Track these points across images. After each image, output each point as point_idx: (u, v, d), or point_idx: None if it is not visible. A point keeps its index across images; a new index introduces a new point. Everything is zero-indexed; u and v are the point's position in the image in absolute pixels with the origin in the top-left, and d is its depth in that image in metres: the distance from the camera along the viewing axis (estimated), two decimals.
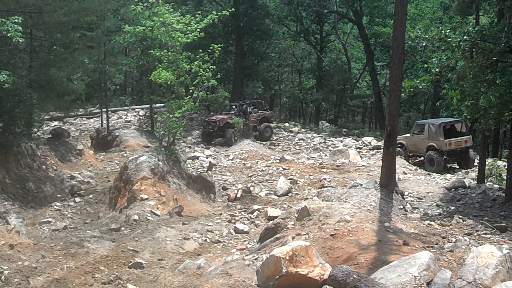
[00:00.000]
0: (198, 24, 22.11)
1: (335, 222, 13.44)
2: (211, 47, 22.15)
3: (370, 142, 33.24)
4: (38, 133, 25.96)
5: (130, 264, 12.93)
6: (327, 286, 10.18)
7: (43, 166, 23.03)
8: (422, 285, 9.45)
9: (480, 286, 8.94)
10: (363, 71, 51.76)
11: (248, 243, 15.67)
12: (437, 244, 13.03)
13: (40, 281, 11.69)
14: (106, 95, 36.84)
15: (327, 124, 44.31)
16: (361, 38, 46.21)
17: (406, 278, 9.60)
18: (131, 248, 14.27)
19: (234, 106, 37.20)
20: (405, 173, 25.08)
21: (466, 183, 22.14)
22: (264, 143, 35.18)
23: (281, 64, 55.08)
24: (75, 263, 12.91)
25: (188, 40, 21.86)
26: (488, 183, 22.50)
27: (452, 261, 11.33)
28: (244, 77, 47.46)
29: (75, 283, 11.59)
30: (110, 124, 37.35)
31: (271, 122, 37.70)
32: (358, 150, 31.70)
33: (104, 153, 31.99)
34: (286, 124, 42.12)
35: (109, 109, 38.72)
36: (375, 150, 30.74)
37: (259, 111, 37.13)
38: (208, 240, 15.61)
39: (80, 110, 38.99)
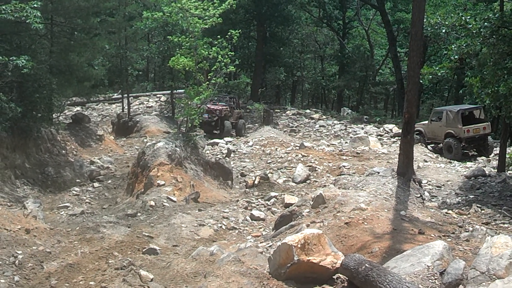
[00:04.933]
0: (216, 10, 22.04)
1: (350, 210, 13.35)
2: (229, 33, 22.05)
3: (391, 130, 33.06)
4: (60, 118, 26.17)
5: (144, 250, 12.92)
6: (339, 274, 10.14)
7: (63, 151, 23.20)
8: (435, 274, 9.35)
9: (494, 276, 8.82)
10: (386, 58, 51.41)
11: (264, 230, 15.62)
12: (453, 233, 12.87)
13: (53, 266, 11.73)
14: (127, 80, 36.93)
15: (349, 110, 44.09)
16: (384, 24, 45.78)
17: (419, 268, 9.51)
18: (146, 234, 14.28)
19: (216, 98, 33.09)
20: (426, 161, 24.91)
21: (486, 172, 21.88)
22: (285, 129, 35.12)
23: (304, 50, 54.87)
24: (89, 248, 12.94)
25: (206, 26, 21.82)
26: (508, 171, 22.22)
27: (468, 251, 11.18)
28: (266, 63, 47.33)
29: (88, 268, 11.61)
30: (131, 110, 37.56)
31: (243, 118, 36.42)
32: (379, 137, 31.53)
33: (124, 139, 32.19)
34: (307, 111, 42.00)
35: (131, 94, 38.89)
36: (396, 138, 30.46)
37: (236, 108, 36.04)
38: (223, 227, 15.57)
39: (101, 95, 39.13)
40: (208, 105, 32.34)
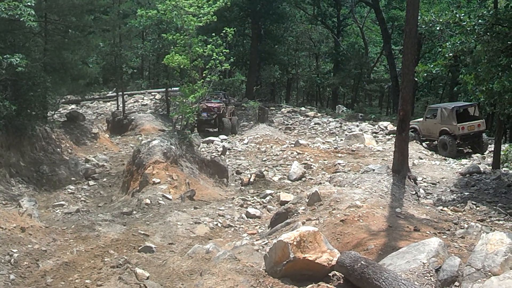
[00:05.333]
0: (211, 8, 22.01)
1: (345, 208, 13.35)
2: (224, 31, 22.03)
3: (386, 127, 33.08)
4: (55, 116, 26.14)
5: (139, 248, 12.89)
6: (335, 272, 10.15)
7: (58, 149, 23.19)
8: (431, 271, 9.35)
9: (489, 273, 8.83)
10: (380, 55, 51.44)
11: (260, 227, 15.61)
12: (448, 230, 12.89)
13: (49, 264, 11.70)
14: (122, 78, 36.90)
15: (344, 108, 44.09)
16: (378, 21, 45.82)
17: (414, 265, 9.51)
18: (142, 232, 14.26)
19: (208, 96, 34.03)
20: (421, 158, 24.93)
21: (481, 169, 21.92)
22: (280, 127, 35.11)
23: (298, 48, 54.86)
24: (85, 246, 12.91)
25: (201, 24, 21.81)
26: (503, 168, 22.27)
27: (463, 248, 11.20)
28: (260, 61, 47.30)
29: (84, 266, 11.57)
30: (126, 108, 37.52)
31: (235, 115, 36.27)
32: (374, 134, 31.56)
33: (119, 137, 32.21)
34: (302, 109, 42.05)
35: (126, 92, 38.87)
36: (391, 135, 30.49)
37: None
38: (219, 225, 15.55)
39: (96, 93, 39.10)
40: (206, 103, 32.20)
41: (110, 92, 43.78)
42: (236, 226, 15.67)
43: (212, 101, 33.39)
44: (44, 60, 22.84)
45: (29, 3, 17.56)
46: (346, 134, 31.44)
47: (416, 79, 19.12)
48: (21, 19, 17.61)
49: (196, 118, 31.22)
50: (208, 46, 21.46)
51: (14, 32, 20.96)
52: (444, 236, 11.98)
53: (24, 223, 13.73)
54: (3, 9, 17.18)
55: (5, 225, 13.20)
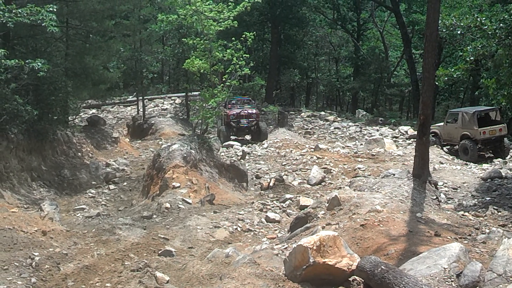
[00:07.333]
0: (231, 12, 22.07)
1: (365, 212, 13.28)
2: (244, 35, 22.08)
3: (406, 131, 32.83)
4: (76, 121, 26.34)
5: (159, 252, 12.93)
6: (355, 276, 10.11)
7: (79, 154, 23.36)
8: (452, 277, 9.29)
9: (511, 279, 8.76)
10: (401, 59, 51.26)
11: (279, 232, 15.57)
12: (470, 235, 12.78)
13: (70, 267, 11.77)
14: (142, 83, 37.13)
15: (364, 112, 43.92)
16: (399, 25, 45.63)
17: (435, 270, 9.45)
18: (162, 236, 14.31)
19: (232, 100, 33.05)
20: (441, 163, 24.74)
21: (503, 174, 21.69)
22: (299, 131, 35.05)
23: (318, 52, 54.83)
24: (106, 250, 13.00)
25: (221, 28, 21.87)
26: None
27: (484, 253, 11.11)
28: (280, 65, 47.33)
29: (104, 270, 11.65)
30: (146, 112, 37.73)
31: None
32: (394, 139, 31.34)
33: (139, 141, 32.37)
34: (322, 113, 41.94)
35: (146, 97, 39.09)
36: (412, 140, 30.28)
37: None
38: (238, 229, 15.54)
39: (116, 98, 39.38)
40: (246, 110, 31.95)
41: (130, 97, 44.06)
42: (255, 231, 15.65)
43: (247, 107, 33.13)
44: (66, 65, 23.07)
45: (51, 9, 17.72)
46: (366, 139, 31.30)
47: (436, 83, 19.03)
48: (43, 24, 17.77)
49: (235, 126, 31.43)
50: (228, 50, 21.55)
51: (36, 37, 21.20)
52: (465, 241, 11.89)
53: (45, 227, 13.83)
54: (25, 15, 17.33)
55: (27, 229, 13.30)
